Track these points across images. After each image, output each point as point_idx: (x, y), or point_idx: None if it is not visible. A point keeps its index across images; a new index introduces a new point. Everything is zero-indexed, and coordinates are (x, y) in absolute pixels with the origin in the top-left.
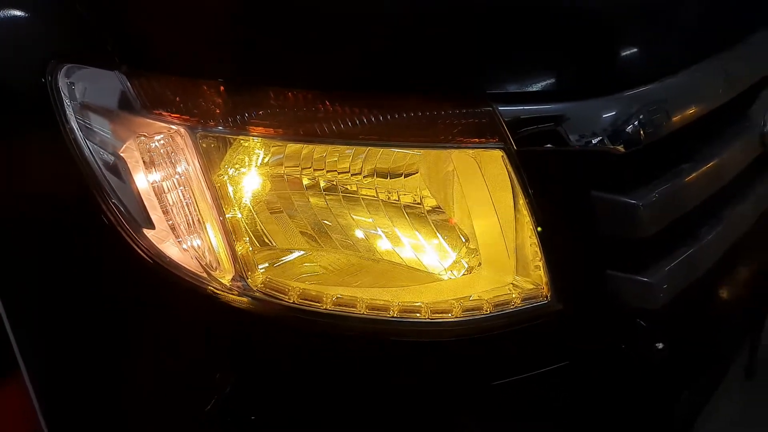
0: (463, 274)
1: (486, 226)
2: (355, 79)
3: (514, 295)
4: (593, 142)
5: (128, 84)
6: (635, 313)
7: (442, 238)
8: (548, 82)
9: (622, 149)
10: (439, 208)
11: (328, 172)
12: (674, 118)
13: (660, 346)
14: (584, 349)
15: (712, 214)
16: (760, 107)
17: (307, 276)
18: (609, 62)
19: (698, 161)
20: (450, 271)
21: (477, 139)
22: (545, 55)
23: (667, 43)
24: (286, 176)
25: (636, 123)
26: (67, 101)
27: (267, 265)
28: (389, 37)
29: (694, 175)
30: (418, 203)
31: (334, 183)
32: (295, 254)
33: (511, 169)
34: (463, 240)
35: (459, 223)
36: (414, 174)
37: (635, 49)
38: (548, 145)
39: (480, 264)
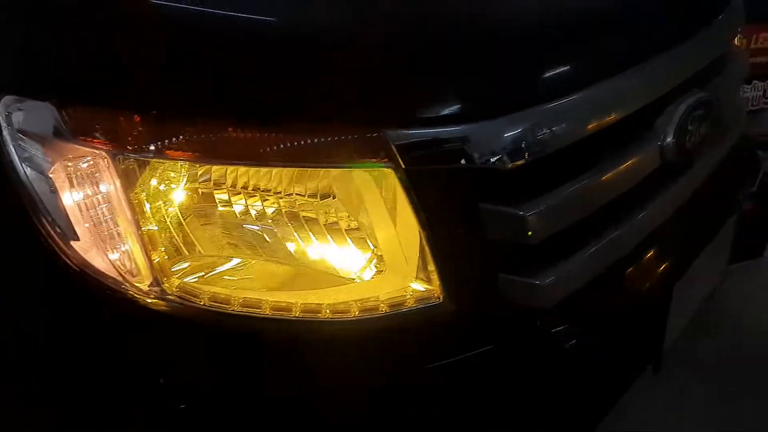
0: (372, 279)
1: (387, 236)
2: (263, 109)
3: (408, 297)
4: (476, 160)
5: (58, 114)
6: (529, 312)
7: (353, 245)
8: (434, 107)
9: (505, 166)
10: (351, 218)
11: (243, 189)
12: (559, 138)
13: (563, 343)
14: (482, 346)
15: (608, 221)
16: (664, 121)
17: (239, 282)
18: (491, 88)
19: (590, 173)
20: (359, 276)
21: (370, 159)
22: (431, 84)
23: (554, 68)
24: (200, 193)
25: (516, 143)
26: (5, 128)
27: (202, 273)
28: (295, 71)
29: (583, 186)
30: (333, 217)
31: (253, 198)
32: (232, 263)
33: (400, 185)
34: (372, 247)
35: (368, 233)
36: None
37: (519, 74)
38: (433, 164)
39: (384, 270)
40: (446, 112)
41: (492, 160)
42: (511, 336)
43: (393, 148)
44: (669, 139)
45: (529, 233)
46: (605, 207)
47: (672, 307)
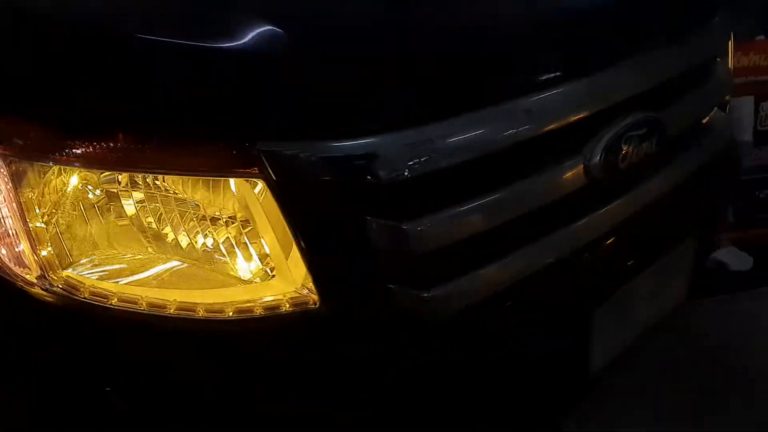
0: (260, 282)
1: (273, 243)
2: (144, 119)
3: (284, 301)
4: (346, 175)
5: None
6: (422, 325)
7: (244, 249)
8: (306, 122)
9: (375, 182)
10: (248, 223)
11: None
12: (440, 157)
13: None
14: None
15: (518, 238)
16: (592, 141)
17: (143, 280)
18: (366, 105)
19: (489, 191)
20: (252, 279)
21: (242, 170)
22: (305, 99)
23: (440, 86)
24: (88, 192)
25: (391, 161)
26: None
27: (104, 269)
28: (176, 82)
29: (477, 204)
30: (230, 221)
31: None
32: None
33: (272, 197)
34: (267, 252)
35: (262, 239)
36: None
37: (399, 92)
38: (301, 178)
39: (276, 274)
40: (319, 126)
41: (362, 176)
42: (396, 347)
43: (264, 160)
44: (596, 159)
45: (416, 246)
46: (518, 222)
47: (594, 332)
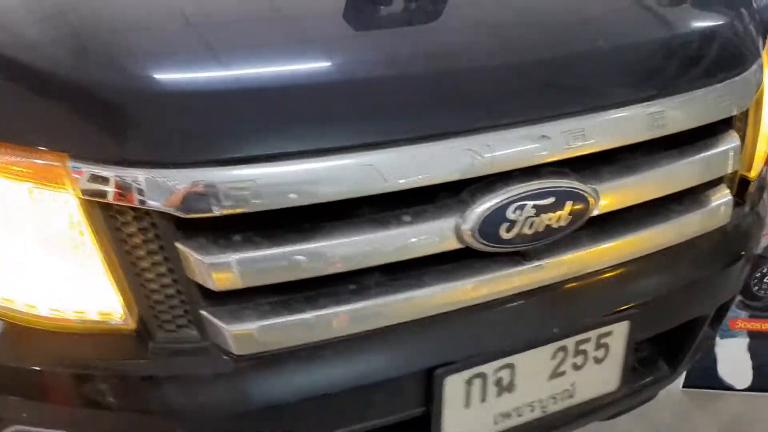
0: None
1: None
2: None
3: (93, 310)
4: (149, 203)
5: None
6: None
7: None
8: (116, 146)
9: (180, 214)
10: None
11: None
12: (257, 198)
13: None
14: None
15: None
16: (464, 205)
17: None
18: (176, 138)
19: (313, 239)
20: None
21: (52, 183)
22: (117, 123)
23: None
24: None
25: (189, 196)
26: None
27: None
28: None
29: (291, 249)
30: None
31: None
32: None
33: (75, 213)
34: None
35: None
36: None
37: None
38: (107, 199)
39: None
40: (129, 153)
41: (163, 207)
42: (201, 381)
43: (71, 176)
44: (468, 225)
45: (212, 281)
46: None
47: (445, 402)
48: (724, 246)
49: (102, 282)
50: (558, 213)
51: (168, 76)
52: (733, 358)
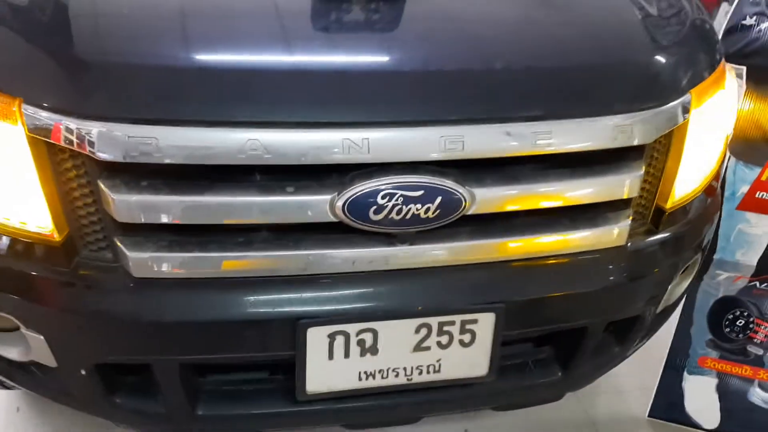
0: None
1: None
2: None
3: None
4: (75, 146)
5: None
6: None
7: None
8: (59, 93)
9: (96, 158)
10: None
11: None
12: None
13: None
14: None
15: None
16: (343, 186)
17: None
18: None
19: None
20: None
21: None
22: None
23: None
24: None
25: (107, 145)
26: None
27: None
28: None
29: (186, 198)
30: None
31: None
32: None
33: (24, 144)
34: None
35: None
36: None
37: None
38: (46, 137)
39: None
40: (66, 105)
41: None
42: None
43: (22, 115)
44: (340, 203)
45: (117, 214)
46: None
47: (308, 349)
48: (618, 266)
49: (40, 202)
50: (426, 206)
51: (102, 55)
52: (701, 395)
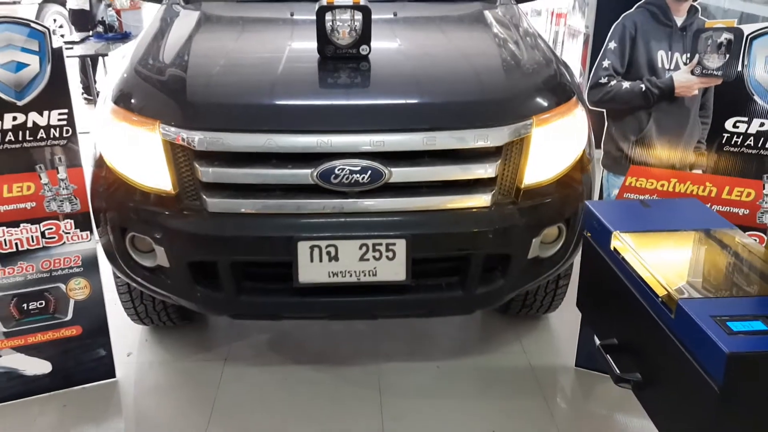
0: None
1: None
2: None
3: (163, 187)
4: (185, 143)
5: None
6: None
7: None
8: (177, 120)
9: (192, 148)
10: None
11: None
12: (226, 146)
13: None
14: None
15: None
16: (319, 164)
17: None
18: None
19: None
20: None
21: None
22: (178, 110)
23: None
24: None
25: (200, 142)
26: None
27: None
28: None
29: (241, 170)
30: None
31: None
32: None
33: (159, 144)
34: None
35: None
36: None
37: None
38: (171, 140)
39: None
40: (180, 122)
41: (188, 144)
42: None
43: (160, 129)
44: (316, 173)
45: (201, 178)
46: (270, 187)
47: (300, 257)
48: (485, 219)
49: (166, 174)
50: (363, 176)
51: (197, 98)
52: None
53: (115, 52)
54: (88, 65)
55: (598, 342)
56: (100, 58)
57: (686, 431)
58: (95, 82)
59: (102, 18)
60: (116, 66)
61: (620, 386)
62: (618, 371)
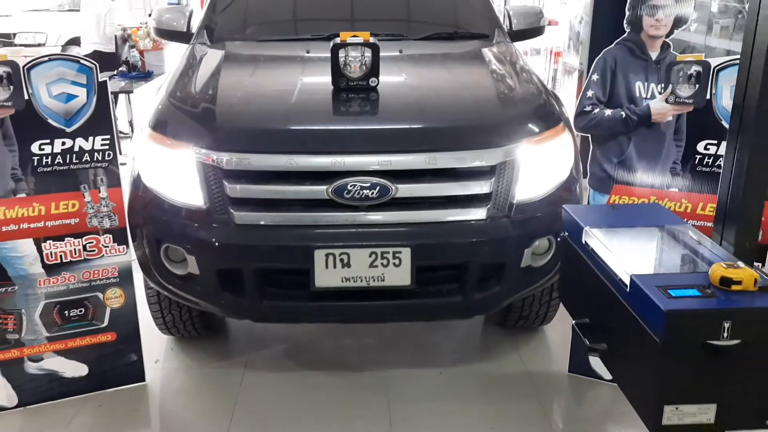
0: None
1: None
2: None
3: (195, 202)
4: (215, 163)
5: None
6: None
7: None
8: (207, 144)
9: (221, 168)
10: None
11: None
12: (253, 165)
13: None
14: None
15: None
16: (333, 181)
17: None
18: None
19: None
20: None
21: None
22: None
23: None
24: None
25: (227, 163)
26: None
27: None
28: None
29: (268, 187)
30: None
31: None
32: None
33: (193, 165)
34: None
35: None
36: None
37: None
38: (203, 161)
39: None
40: (211, 146)
41: (218, 164)
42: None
43: (193, 151)
44: (331, 189)
45: (232, 195)
46: (292, 201)
47: (316, 263)
48: (481, 230)
49: (198, 191)
50: (372, 191)
51: (226, 124)
52: None
53: (139, 90)
54: (112, 102)
55: (573, 322)
56: (121, 95)
57: (640, 384)
58: (116, 118)
59: (126, 58)
60: (151, 99)
61: (590, 355)
62: (588, 343)
